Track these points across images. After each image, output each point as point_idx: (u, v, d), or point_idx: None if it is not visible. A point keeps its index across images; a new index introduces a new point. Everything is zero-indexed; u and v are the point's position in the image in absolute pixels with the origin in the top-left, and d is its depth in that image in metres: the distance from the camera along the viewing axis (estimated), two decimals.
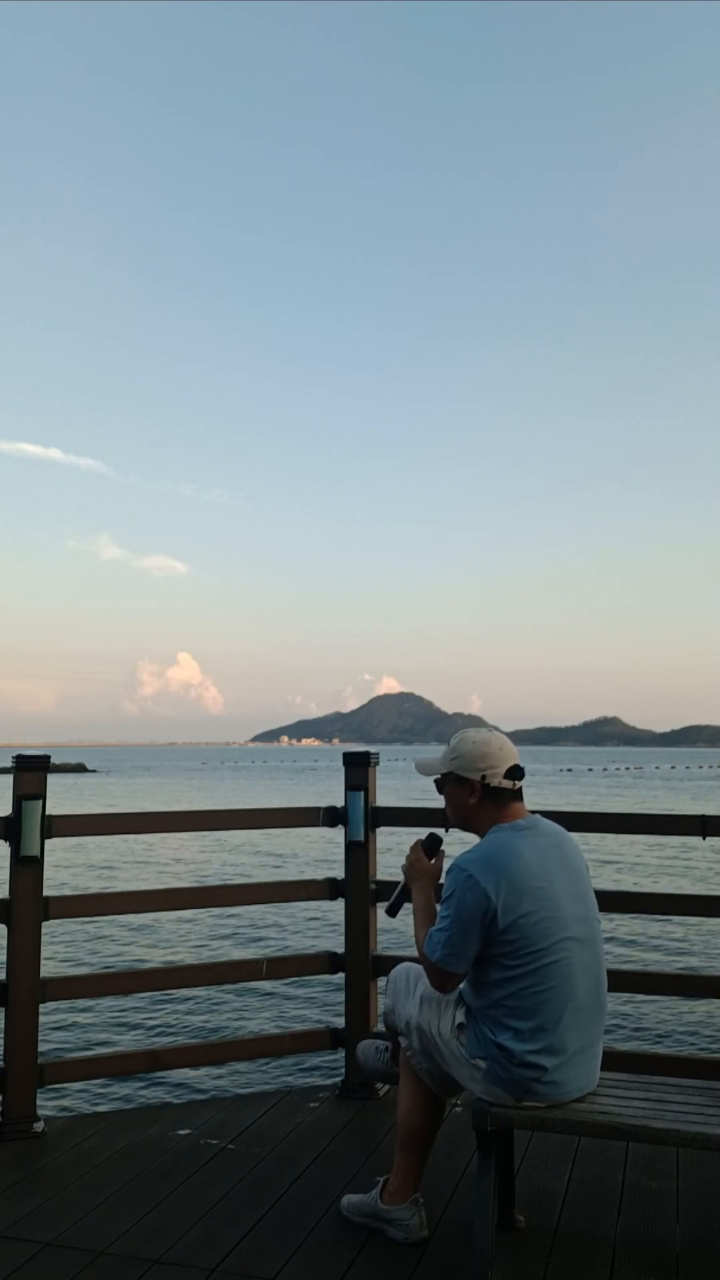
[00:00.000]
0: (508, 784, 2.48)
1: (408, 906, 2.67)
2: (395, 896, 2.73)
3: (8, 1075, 3.34)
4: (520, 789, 2.51)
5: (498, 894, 2.29)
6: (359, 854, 3.76)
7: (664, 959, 11.24)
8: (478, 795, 2.48)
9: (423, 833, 2.74)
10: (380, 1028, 2.84)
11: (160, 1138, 3.29)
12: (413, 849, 2.68)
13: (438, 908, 2.47)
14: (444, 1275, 2.38)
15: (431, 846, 2.67)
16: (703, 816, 3.46)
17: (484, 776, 2.46)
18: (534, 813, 2.57)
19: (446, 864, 2.51)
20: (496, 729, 2.63)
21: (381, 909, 3.74)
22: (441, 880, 2.58)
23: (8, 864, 3.39)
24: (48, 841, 3.46)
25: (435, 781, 2.59)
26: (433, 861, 2.66)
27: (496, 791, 2.47)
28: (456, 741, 2.55)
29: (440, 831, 2.74)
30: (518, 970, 2.31)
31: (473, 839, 2.52)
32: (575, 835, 2.59)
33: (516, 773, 2.49)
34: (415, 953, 2.55)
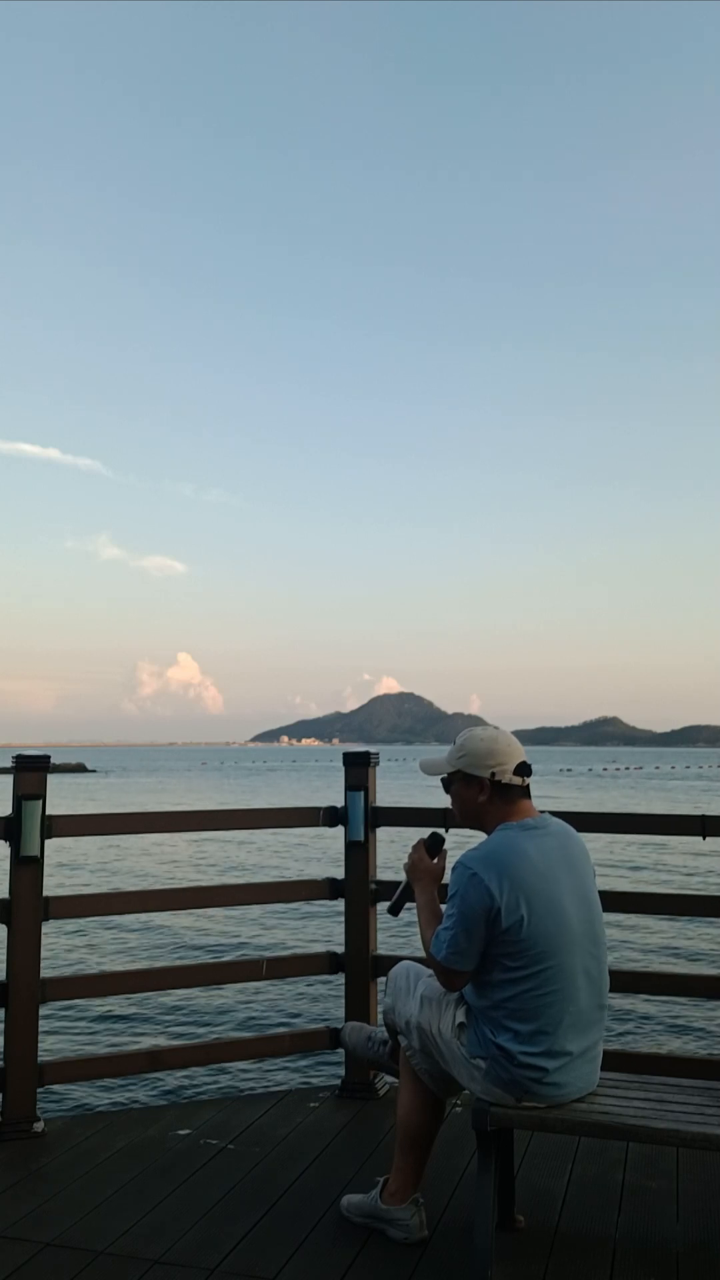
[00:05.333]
0: (517, 780, 2.47)
1: (410, 906, 2.67)
2: (397, 895, 2.72)
3: (8, 1075, 3.34)
4: (528, 786, 2.51)
5: (501, 893, 2.29)
6: (359, 854, 3.75)
7: (664, 959, 11.24)
8: (487, 793, 2.46)
9: (425, 831, 2.73)
10: (381, 1027, 2.84)
11: (160, 1138, 3.29)
12: (415, 848, 2.66)
13: (442, 907, 2.46)
14: (444, 1275, 2.38)
15: (434, 845, 2.66)
16: (703, 816, 3.46)
17: (494, 774, 2.45)
18: (544, 813, 2.57)
19: (450, 861, 2.51)
20: (486, 724, 2.62)
21: (383, 908, 3.75)
22: (445, 879, 2.57)
23: (8, 864, 3.39)
24: (48, 841, 3.46)
25: (442, 780, 2.58)
26: (435, 860, 2.65)
27: (506, 788, 2.46)
28: (463, 739, 2.53)
29: (442, 831, 2.74)
30: (520, 972, 2.30)
31: (479, 837, 2.51)
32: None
33: (525, 769, 2.49)
34: (415, 952, 2.55)
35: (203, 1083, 6.57)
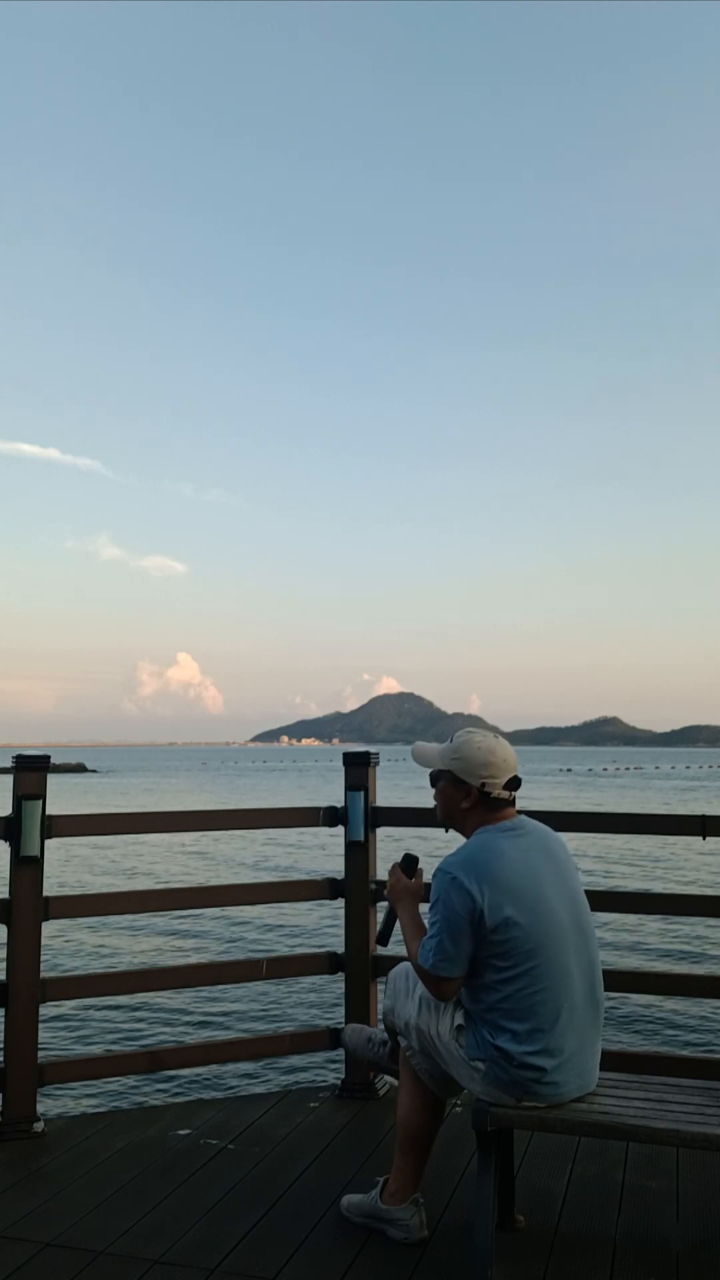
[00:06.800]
0: (505, 795, 2.47)
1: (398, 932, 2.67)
2: (383, 924, 2.74)
3: (8, 1075, 3.34)
4: (514, 798, 2.51)
5: (482, 895, 2.29)
6: (359, 854, 3.75)
7: (664, 959, 11.24)
8: (473, 800, 2.47)
9: (399, 854, 2.73)
10: (381, 1028, 2.84)
11: (160, 1138, 3.29)
12: (391, 872, 2.68)
13: (425, 914, 2.46)
14: (444, 1275, 2.38)
15: (409, 866, 2.67)
16: (703, 816, 3.46)
17: (484, 785, 2.46)
18: (521, 812, 2.57)
19: (431, 867, 2.51)
20: (498, 729, 2.61)
21: (384, 908, 3.75)
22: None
23: (8, 864, 3.39)
24: (48, 841, 3.46)
25: (430, 774, 2.58)
26: (412, 880, 2.65)
27: (493, 800, 2.47)
28: (461, 742, 2.51)
29: (415, 852, 2.73)
30: (511, 972, 2.30)
31: (458, 840, 2.52)
32: (576, 835, 2.59)
33: (515, 784, 2.49)
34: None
35: (203, 1083, 6.57)
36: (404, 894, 2.64)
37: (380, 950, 3.72)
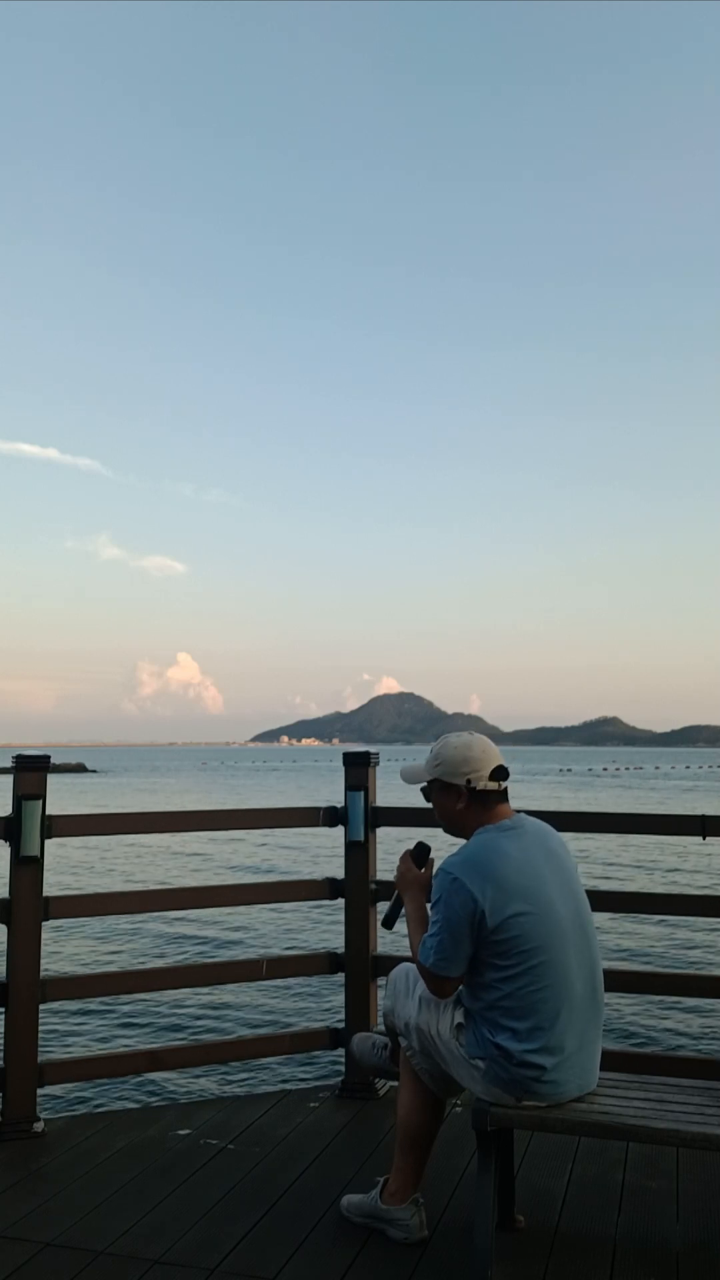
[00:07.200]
0: (493, 785, 2.48)
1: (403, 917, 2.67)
2: (390, 908, 2.74)
3: (8, 1075, 3.34)
4: (505, 789, 2.52)
5: (484, 895, 2.30)
6: (359, 854, 3.76)
7: (664, 959, 11.24)
8: (464, 800, 2.48)
9: (411, 841, 2.74)
10: (380, 1028, 2.84)
11: (160, 1138, 3.29)
12: (402, 859, 2.68)
13: (429, 911, 2.47)
14: (444, 1275, 2.38)
15: (420, 855, 2.67)
16: (703, 816, 3.46)
17: (469, 780, 2.47)
18: (520, 811, 2.58)
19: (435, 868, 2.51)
20: (497, 729, 2.62)
21: (384, 908, 3.75)
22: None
23: (8, 864, 3.40)
24: (48, 841, 3.46)
25: (422, 790, 2.60)
26: (422, 870, 2.66)
27: (483, 794, 2.47)
28: (439, 748, 2.54)
29: (428, 840, 2.74)
30: (511, 970, 2.31)
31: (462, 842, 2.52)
32: (576, 835, 2.59)
33: (501, 773, 2.49)
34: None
35: (203, 1083, 6.57)
36: (412, 884, 2.64)
37: (382, 934, 3.74)
